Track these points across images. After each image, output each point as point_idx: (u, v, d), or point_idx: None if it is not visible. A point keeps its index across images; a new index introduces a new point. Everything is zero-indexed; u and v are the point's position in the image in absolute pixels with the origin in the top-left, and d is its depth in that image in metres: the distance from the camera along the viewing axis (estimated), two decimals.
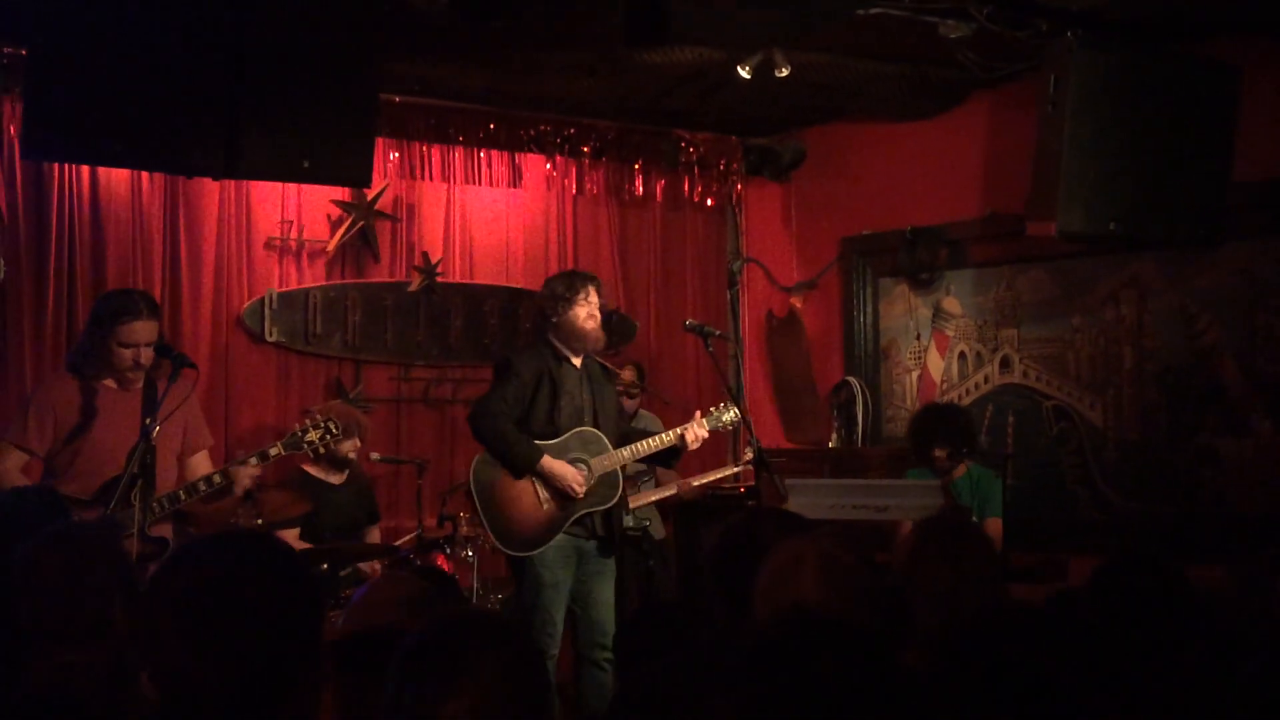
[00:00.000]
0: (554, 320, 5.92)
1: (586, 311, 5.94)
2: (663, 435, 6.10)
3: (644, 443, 6.05)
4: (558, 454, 5.84)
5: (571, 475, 5.80)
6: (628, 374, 7.52)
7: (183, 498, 5.23)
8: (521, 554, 5.78)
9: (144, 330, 5.25)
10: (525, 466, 5.78)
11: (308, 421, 5.68)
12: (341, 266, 7.59)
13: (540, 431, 5.85)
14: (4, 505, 4.25)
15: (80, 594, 3.12)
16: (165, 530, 5.26)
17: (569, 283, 5.99)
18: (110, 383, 5.34)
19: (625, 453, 6.00)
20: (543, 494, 5.82)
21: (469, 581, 6.59)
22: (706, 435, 6.11)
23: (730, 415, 6.15)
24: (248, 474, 5.33)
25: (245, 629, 2.01)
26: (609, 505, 5.96)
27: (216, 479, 5.29)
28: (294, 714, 2.05)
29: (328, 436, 5.64)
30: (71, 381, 5.34)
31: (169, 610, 2.04)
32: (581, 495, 5.83)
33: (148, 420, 5.02)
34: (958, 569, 3.32)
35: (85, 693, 2.77)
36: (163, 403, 5.12)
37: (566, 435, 5.92)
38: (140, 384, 5.34)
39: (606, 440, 5.97)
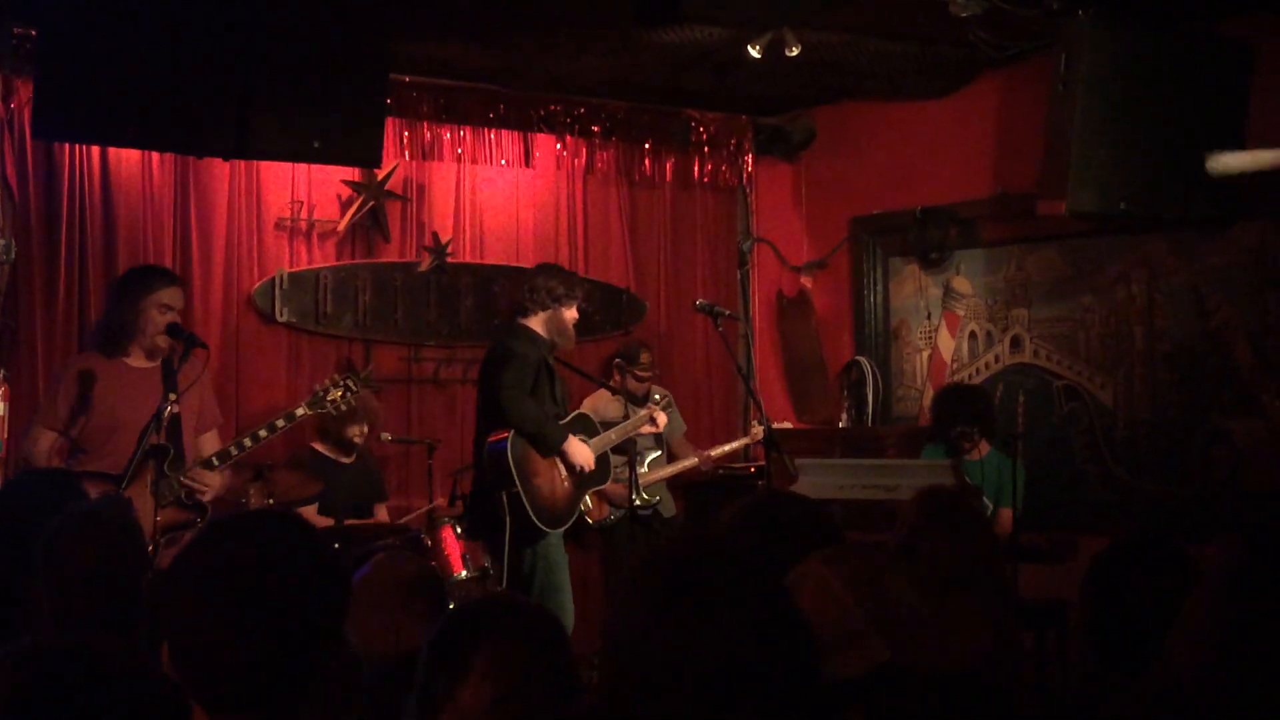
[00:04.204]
0: (548, 313, 6.27)
1: (574, 315, 6.36)
2: (635, 419, 6.68)
3: (621, 427, 6.63)
4: (568, 430, 6.23)
5: (586, 454, 6.22)
6: (647, 357, 7.70)
7: (215, 464, 5.42)
8: (550, 530, 6.10)
9: (179, 295, 5.55)
10: (554, 447, 6.13)
11: (327, 382, 5.87)
12: (352, 246, 7.59)
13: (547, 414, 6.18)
14: (18, 488, 4.26)
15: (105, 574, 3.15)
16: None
17: (570, 283, 6.40)
18: (133, 361, 5.47)
19: (613, 435, 6.54)
20: (562, 473, 6.18)
21: (480, 560, 6.62)
22: (665, 419, 6.82)
23: (668, 400, 7.21)
24: (214, 481, 5.44)
25: (271, 609, 1.98)
26: (604, 485, 6.49)
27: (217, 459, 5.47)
28: (319, 700, 2.03)
29: (349, 394, 5.84)
30: (95, 360, 5.49)
31: (195, 587, 2.02)
32: (591, 471, 6.27)
33: (172, 396, 5.16)
34: (956, 539, 3.33)
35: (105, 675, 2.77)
36: (173, 380, 5.22)
37: (570, 417, 6.35)
38: (160, 360, 5.44)
39: (597, 424, 6.50)
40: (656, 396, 7.08)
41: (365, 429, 6.81)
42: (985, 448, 6.81)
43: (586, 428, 6.41)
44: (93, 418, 5.38)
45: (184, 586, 2.02)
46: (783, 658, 1.81)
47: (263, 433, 5.56)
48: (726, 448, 7.82)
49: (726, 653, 1.78)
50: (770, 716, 1.78)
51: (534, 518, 6.01)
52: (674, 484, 7.83)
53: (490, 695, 2.00)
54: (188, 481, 5.32)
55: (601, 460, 6.39)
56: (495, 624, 2.13)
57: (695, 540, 2.03)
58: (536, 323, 6.29)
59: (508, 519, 5.96)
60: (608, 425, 6.73)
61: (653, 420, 6.74)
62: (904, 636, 2.25)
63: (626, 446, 6.68)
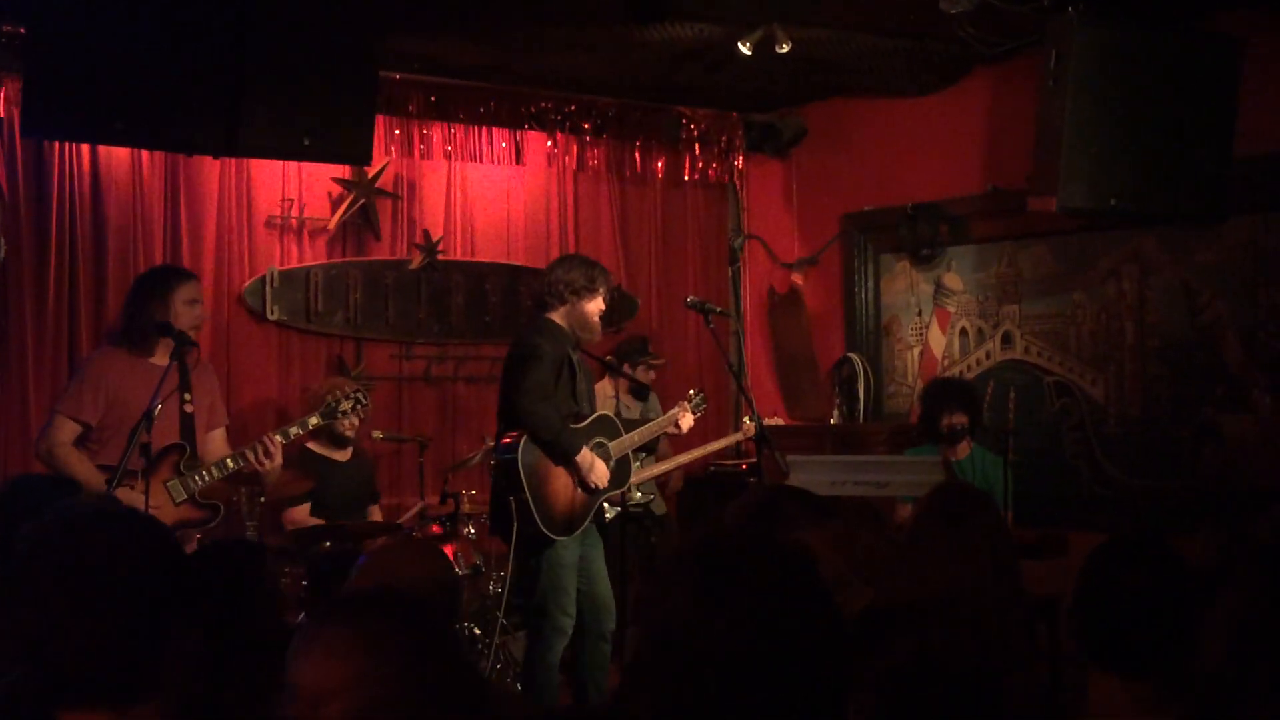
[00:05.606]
0: (567, 306, 6.01)
1: (598, 306, 6.08)
2: (660, 420, 6.46)
3: (645, 428, 6.34)
4: (584, 437, 5.97)
5: (601, 472, 5.94)
6: (654, 347, 7.61)
7: (229, 466, 5.47)
8: (560, 537, 5.85)
9: (199, 288, 5.76)
10: (566, 457, 5.87)
11: (338, 392, 5.98)
12: (342, 244, 7.59)
13: (566, 414, 5.95)
14: (18, 490, 4.21)
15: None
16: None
17: (590, 274, 6.08)
18: (156, 359, 5.53)
19: (635, 436, 6.22)
20: (575, 478, 5.92)
21: (471, 558, 6.61)
22: (693, 421, 6.51)
23: (701, 398, 6.69)
24: (278, 457, 5.58)
25: (110, 605, 2.04)
26: (624, 489, 6.15)
27: (238, 460, 5.52)
28: (166, 691, 2.07)
29: (359, 406, 6.01)
30: (119, 355, 5.59)
31: (38, 584, 2.06)
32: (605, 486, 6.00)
33: (187, 396, 5.42)
34: (956, 538, 3.32)
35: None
36: (164, 380, 5.25)
37: (590, 420, 6.06)
38: (173, 360, 5.47)
39: (619, 425, 6.19)
40: (691, 392, 6.81)
41: (357, 422, 6.76)
42: (967, 448, 6.78)
43: (608, 429, 6.13)
44: (111, 411, 5.47)
45: (27, 584, 2.06)
46: (822, 638, 1.89)
47: (277, 438, 5.60)
48: (714, 445, 7.72)
49: (770, 638, 1.84)
50: (810, 695, 1.85)
51: (541, 526, 5.80)
52: (663, 481, 7.80)
53: (338, 688, 2.00)
54: (260, 443, 5.49)
55: (622, 461, 6.13)
56: (358, 612, 2.12)
57: (732, 533, 2.09)
58: (558, 316, 6.04)
59: (515, 524, 5.84)
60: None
61: (677, 424, 6.50)
62: (882, 578, 2.55)
63: (651, 446, 6.59)
